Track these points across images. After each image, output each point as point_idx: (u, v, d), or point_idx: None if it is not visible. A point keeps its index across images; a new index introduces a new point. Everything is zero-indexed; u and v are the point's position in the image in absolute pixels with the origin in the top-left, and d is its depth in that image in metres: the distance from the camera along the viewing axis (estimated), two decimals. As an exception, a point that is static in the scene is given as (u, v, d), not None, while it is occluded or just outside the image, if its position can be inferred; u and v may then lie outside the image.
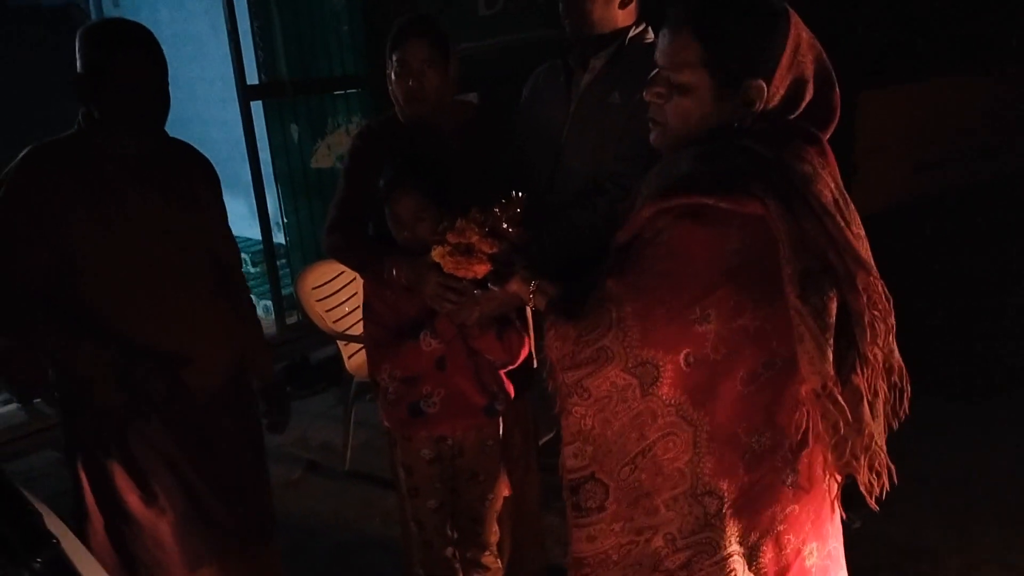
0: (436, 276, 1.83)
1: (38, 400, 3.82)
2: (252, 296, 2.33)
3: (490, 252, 1.70)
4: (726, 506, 1.42)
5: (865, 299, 1.32)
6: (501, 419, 2.16)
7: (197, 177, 2.08)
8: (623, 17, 2.13)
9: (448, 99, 2.15)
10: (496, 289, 1.70)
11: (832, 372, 1.31)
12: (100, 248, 1.88)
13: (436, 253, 1.77)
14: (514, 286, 1.63)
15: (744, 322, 1.32)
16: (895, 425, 1.45)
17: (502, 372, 2.10)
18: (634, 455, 1.41)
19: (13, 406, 3.90)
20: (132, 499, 2.00)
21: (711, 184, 1.29)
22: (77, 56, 1.85)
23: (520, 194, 1.72)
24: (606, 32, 2.12)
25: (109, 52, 1.84)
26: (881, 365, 1.38)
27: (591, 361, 1.37)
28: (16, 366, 3.57)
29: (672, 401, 1.37)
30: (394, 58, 2.10)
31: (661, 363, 1.35)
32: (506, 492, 2.25)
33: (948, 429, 3.47)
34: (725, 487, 1.42)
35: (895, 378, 1.43)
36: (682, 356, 1.34)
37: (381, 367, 2.06)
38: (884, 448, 1.41)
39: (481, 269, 1.73)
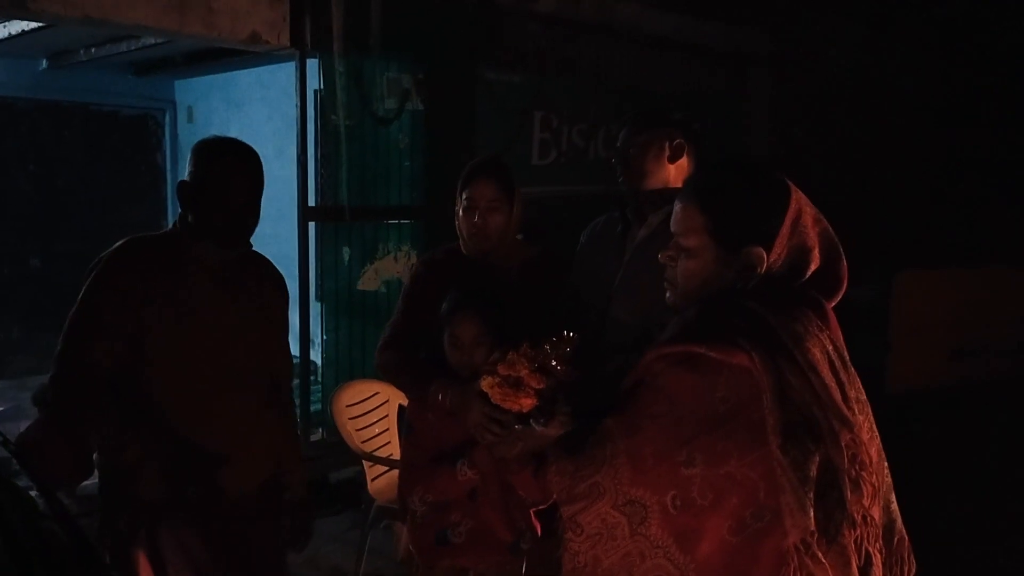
0: (482, 405, 1.86)
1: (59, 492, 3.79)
2: (296, 411, 2.36)
3: (538, 387, 1.73)
4: None
5: (848, 456, 1.36)
6: (525, 560, 2.12)
7: (270, 292, 2.17)
8: (674, 174, 2.24)
9: (509, 238, 2.26)
10: (538, 428, 1.71)
11: (812, 526, 1.33)
12: (169, 344, 1.96)
13: (485, 383, 1.79)
14: (553, 430, 1.65)
15: (730, 469, 1.36)
16: None
17: (532, 511, 2.08)
18: None
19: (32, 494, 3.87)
20: None
21: (703, 335, 1.40)
22: (189, 164, 1.99)
23: (572, 334, 1.77)
24: (657, 188, 2.23)
25: (214, 168, 1.97)
26: (879, 528, 1.40)
27: (584, 496, 1.41)
28: (47, 457, 3.56)
29: (659, 543, 1.39)
30: (463, 195, 2.22)
31: (649, 503, 1.38)
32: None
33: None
34: None
35: (897, 546, 1.44)
36: (669, 498, 1.37)
37: (413, 489, 2.06)
38: None
39: (527, 403, 1.75)
